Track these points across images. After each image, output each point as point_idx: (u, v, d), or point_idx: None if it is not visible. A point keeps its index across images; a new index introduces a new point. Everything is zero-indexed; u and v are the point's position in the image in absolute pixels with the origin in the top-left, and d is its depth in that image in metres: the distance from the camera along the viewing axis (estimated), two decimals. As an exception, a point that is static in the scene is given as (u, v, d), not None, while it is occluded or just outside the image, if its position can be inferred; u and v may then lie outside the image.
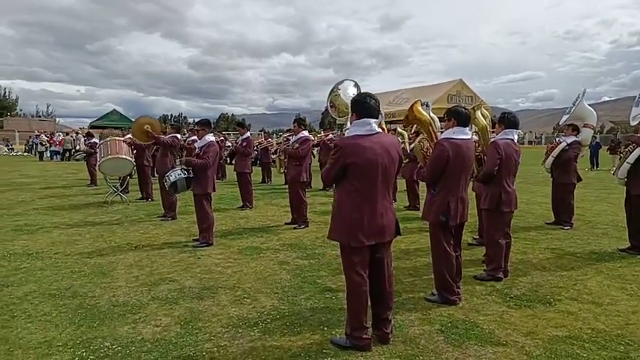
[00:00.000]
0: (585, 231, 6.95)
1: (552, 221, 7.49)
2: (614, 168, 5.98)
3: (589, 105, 7.92)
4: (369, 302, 3.15)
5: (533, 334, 3.35)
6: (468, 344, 3.20)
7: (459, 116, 3.77)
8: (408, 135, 9.30)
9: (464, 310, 3.79)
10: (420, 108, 3.95)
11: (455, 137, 3.72)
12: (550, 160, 7.55)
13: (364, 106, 3.05)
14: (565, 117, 8.17)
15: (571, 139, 7.43)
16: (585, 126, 7.71)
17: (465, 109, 3.87)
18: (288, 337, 3.30)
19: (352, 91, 3.89)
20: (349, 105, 3.65)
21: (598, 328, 3.48)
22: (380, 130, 3.06)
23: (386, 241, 3.12)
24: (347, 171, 2.98)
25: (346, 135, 3.08)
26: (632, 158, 5.45)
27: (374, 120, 3.03)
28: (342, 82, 3.98)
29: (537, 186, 12.77)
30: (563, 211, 7.35)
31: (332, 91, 3.98)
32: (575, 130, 7.60)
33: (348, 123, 3.48)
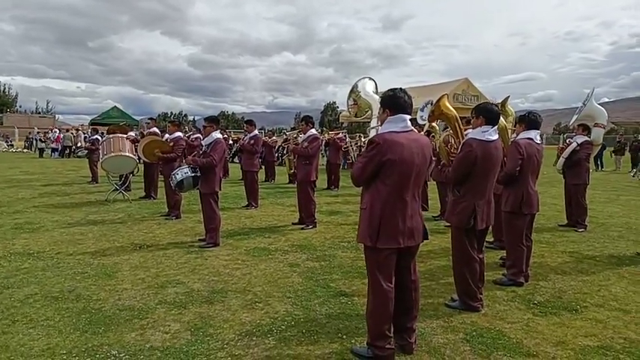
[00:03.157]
0: (600, 233, 6.79)
1: (565, 223, 7.33)
2: (635, 170, 5.82)
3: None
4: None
5: (564, 344, 3.19)
6: (496, 355, 3.03)
7: (488, 114, 3.56)
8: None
9: (487, 318, 3.62)
10: (447, 103, 3.76)
11: (483, 137, 3.52)
12: (561, 161, 7.40)
13: (398, 102, 2.86)
14: (575, 117, 8.02)
15: (582, 139, 7.28)
16: (596, 125, 7.57)
17: (496, 106, 3.67)
18: (306, 346, 3.12)
19: (370, 88, 3.70)
20: (371, 104, 3.45)
21: (630, 337, 3.31)
22: (413, 127, 2.87)
23: (414, 245, 2.94)
24: (381, 169, 2.78)
25: (380, 131, 2.87)
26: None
27: (408, 116, 2.85)
28: (359, 80, 3.80)
29: (544, 187, 12.57)
30: (576, 212, 7.20)
31: (352, 90, 3.80)
32: (586, 130, 7.44)
33: (373, 122, 3.28)
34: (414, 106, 3.06)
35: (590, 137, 7.32)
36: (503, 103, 5.33)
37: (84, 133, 26.48)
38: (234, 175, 13.99)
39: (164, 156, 7.75)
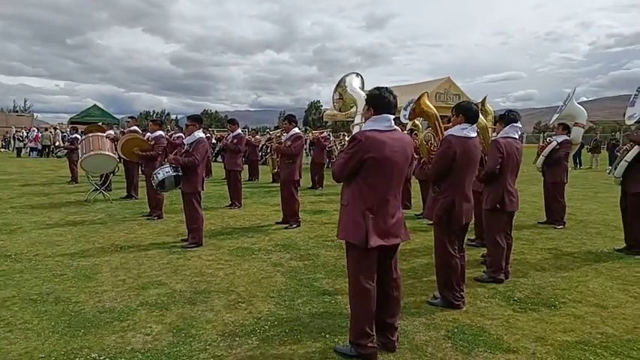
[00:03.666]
0: (578, 230, 6.92)
1: (544, 220, 7.46)
2: (611, 168, 5.95)
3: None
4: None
5: (543, 340, 3.24)
6: (477, 351, 3.07)
7: (468, 112, 3.61)
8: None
9: (469, 315, 3.66)
10: (427, 101, 3.80)
11: (462, 134, 3.57)
12: (541, 159, 7.54)
13: (383, 101, 2.88)
14: (556, 116, 8.16)
15: (562, 137, 7.43)
16: (576, 125, 7.72)
17: (475, 105, 3.72)
18: (289, 346, 3.12)
19: (357, 84, 3.72)
20: (356, 100, 3.47)
21: (607, 332, 3.38)
22: (397, 127, 2.90)
23: (395, 244, 2.96)
24: (362, 167, 2.80)
25: (363, 129, 2.89)
26: (629, 156, 5.40)
27: (392, 116, 2.87)
28: (346, 75, 3.82)
29: (524, 185, 12.76)
30: (555, 210, 7.33)
31: (339, 84, 3.82)
32: (566, 129, 7.59)
33: (357, 118, 3.31)
34: (399, 106, 3.09)
35: (569, 136, 7.47)
36: (483, 102, 5.41)
37: (62, 132, 26.00)
38: (218, 174, 13.90)
39: (143, 154, 7.68)
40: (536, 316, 3.67)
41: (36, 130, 27.57)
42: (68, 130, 21.63)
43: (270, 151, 9.63)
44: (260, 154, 14.53)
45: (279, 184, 7.61)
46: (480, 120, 4.85)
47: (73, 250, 5.46)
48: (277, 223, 7.16)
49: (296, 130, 7.14)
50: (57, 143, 24.76)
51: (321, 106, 70.55)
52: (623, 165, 5.51)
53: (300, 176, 7.13)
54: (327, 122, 27.10)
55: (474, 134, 3.66)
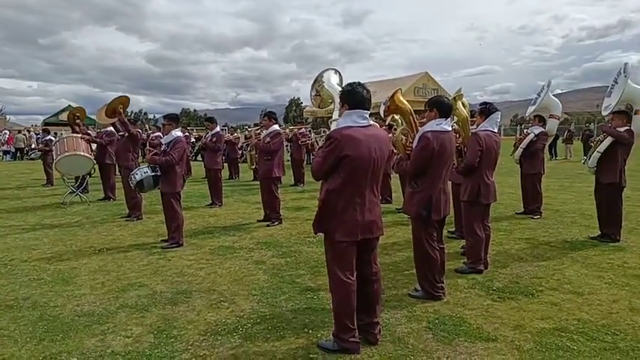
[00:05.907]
0: (554, 220, 7.07)
1: (522, 211, 7.60)
2: (585, 158, 6.09)
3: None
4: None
5: (521, 328, 3.31)
6: (458, 341, 3.12)
7: (441, 107, 3.64)
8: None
9: (449, 305, 3.71)
10: (400, 97, 3.82)
11: (438, 129, 3.60)
12: (519, 151, 7.67)
13: (356, 96, 2.89)
14: (531, 108, 8.30)
15: (538, 129, 7.57)
16: (551, 117, 7.87)
17: (448, 99, 3.76)
18: (272, 343, 3.12)
19: (335, 80, 3.73)
20: (333, 95, 3.47)
21: (583, 318, 3.47)
22: (372, 122, 2.91)
23: (374, 237, 2.98)
24: (339, 164, 2.81)
25: (338, 126, 2.90)
26: (602, 147, 5.53)
27: (366, 111, 2.88)
28: (324, 71, 3.82)
29: (502, 177, 12.96)
30: (532, 201, 7.48)
31: (316, 80, 3.83)
32: (542, 121, 7.74)
33: (335, 114, 3.31)
34: (379, 101, 3.11)
35: (545, 128, 7.62)
36: (459, 94, 5.46)
37: (36, 134, 25.41)
38: (198, 173, 13.76)
39: (123, 119, 7.46)
40: (515, 304, 3.74)
41: (7, 133, 26.85)
42: (40, 131, 21.10)
43: (249, 148, 9.59)
44: (240, 152, 14.42)
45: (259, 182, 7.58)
46: (460, 112, 4.91)
47: (50, 254, 5.35)
48: (259, 221, 7.13)
49: (275, 127, 7.12)
50: (32, 145, 24.20)
51: (301, 102, 70.45)
52: (596, 156, 5.63)
53: (283, 173, 7.12)
54: (307, 119, 27.07)
55: (449, 128, 3.70)
